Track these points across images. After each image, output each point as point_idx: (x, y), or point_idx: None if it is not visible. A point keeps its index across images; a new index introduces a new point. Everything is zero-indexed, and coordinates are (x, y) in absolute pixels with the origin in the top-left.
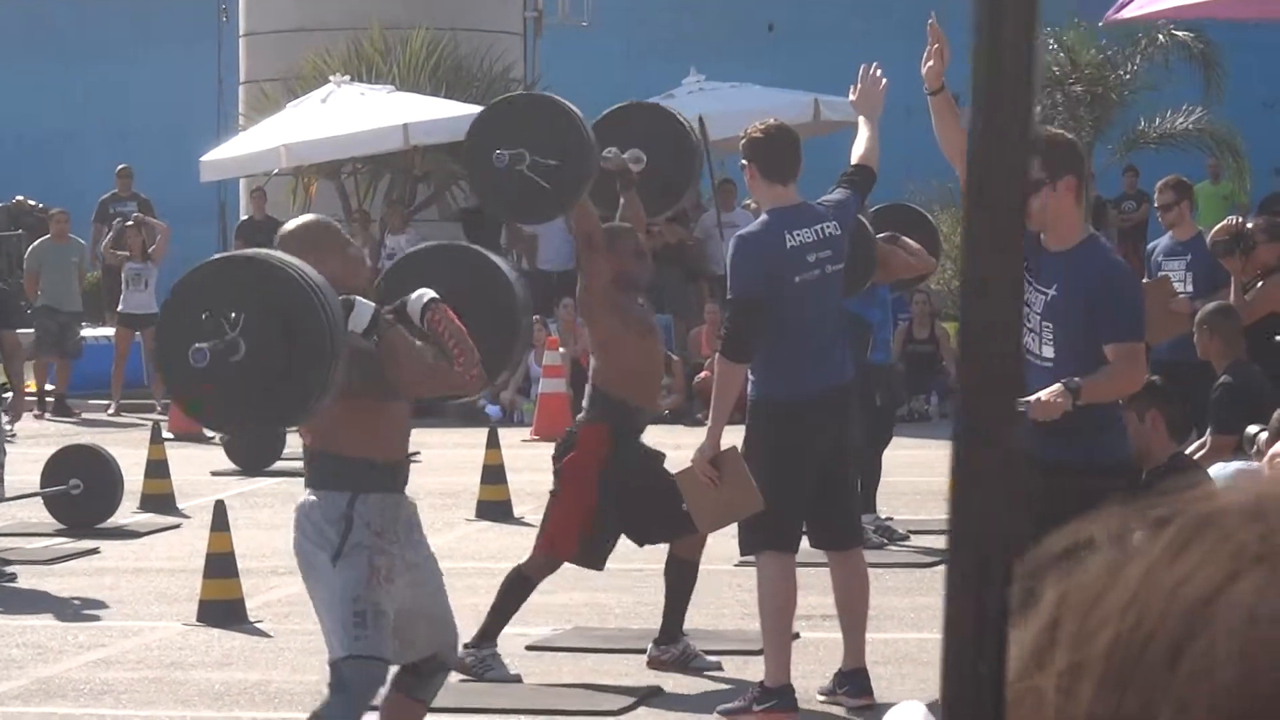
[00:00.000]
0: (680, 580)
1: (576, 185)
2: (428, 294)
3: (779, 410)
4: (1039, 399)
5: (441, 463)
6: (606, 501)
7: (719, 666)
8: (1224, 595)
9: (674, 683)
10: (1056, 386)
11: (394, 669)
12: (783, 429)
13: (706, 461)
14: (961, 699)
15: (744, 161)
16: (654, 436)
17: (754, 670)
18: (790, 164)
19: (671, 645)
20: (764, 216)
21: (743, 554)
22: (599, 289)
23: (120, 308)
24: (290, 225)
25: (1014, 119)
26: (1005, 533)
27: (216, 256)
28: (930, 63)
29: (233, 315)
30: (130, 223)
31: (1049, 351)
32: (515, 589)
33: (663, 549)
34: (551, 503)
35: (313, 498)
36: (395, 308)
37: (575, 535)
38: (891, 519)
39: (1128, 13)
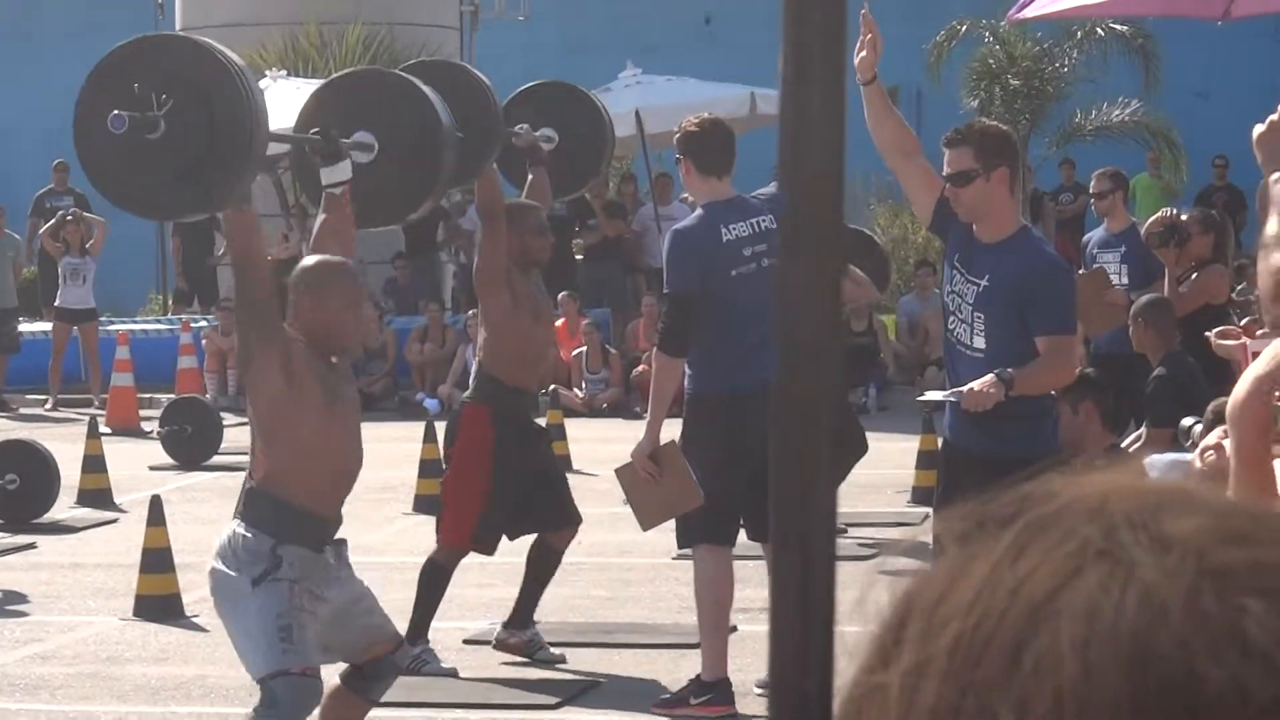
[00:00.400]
0: (543, 567)
1: (481, 154)
2: (349, 171)
3: (716, 404)
4: (971, 389)
5: (378, 456)
6: (499, 486)
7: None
8: (1065, 592)
9: (610, 677)
10: (989, 377)
11: (344, 667)
12: (720, 423)
13: (645, 457)
14: (788, 706)
15: (679, 156)
16: (593, 430)
17: (691, 664)
18: (725, 158)
19: (521, 630)
20: (699, 211)
21: (680, 547)
22: (495, 265)
23: (57, 302)
24: (308, 260)
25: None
26: (828, 537)
27: (160, 34)
28: (863, 53)
29: (164, 97)
30: (70, 216)
31: (980, 342)
32: (432, 579)
33: (606, 542)
34: (443, 489)
35: (242, 531)
36: (325, 147)
37: (469, 521)
38: None
39: (1029, 12)
